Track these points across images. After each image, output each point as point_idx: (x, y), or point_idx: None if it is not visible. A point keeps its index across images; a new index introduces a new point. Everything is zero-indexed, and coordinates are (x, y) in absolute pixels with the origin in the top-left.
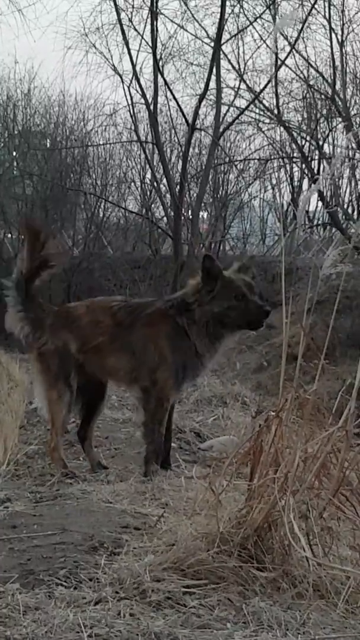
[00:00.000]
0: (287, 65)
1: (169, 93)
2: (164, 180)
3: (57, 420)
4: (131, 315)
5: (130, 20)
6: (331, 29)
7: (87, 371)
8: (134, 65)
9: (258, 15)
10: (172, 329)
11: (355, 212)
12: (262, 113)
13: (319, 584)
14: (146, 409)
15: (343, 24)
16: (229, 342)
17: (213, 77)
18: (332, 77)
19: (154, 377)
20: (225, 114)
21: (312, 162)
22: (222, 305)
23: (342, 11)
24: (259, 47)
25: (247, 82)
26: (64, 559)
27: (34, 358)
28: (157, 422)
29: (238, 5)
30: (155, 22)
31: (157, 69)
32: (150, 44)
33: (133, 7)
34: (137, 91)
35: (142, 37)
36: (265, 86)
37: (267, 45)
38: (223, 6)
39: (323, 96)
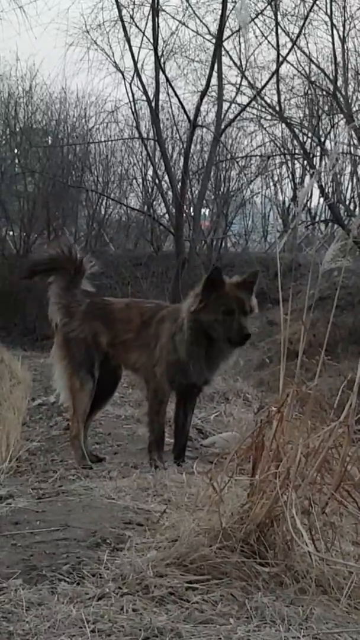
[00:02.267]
0: (288, 62)
1: (170, 90)
2: (166, 177)
3: (79, 408)
4: (152, 316)
5: (131, 17)
6: (333, 25)
7: (110, 365)
8: (135, 62)
9: (260, 11)
10: (172, 333)
11: (357, 208)
12: (263, 110)
13: (322, 579)
14: (147, 400)
15: (344, 20)
16: (221, 354)
17: (214, 74)
18: (333, 74)
19: (153, 370)
20: (226, 111)
21: (314, 158)
22: (209, 316)
23: (344, 7)
24: (260, 44)
25: (249, 78)
26: (67, 554)
27: (59, 344)
28: (155, 413)
29: (239, 1)
30: (156, 19)
31: (159, 66)
32: (151, 40)
33: (134, 3)
34: (139, 88)
35: (144, 34)
36: (267, 83)
37: (269, 42)
38: (224, 2)
39: (325, 92)
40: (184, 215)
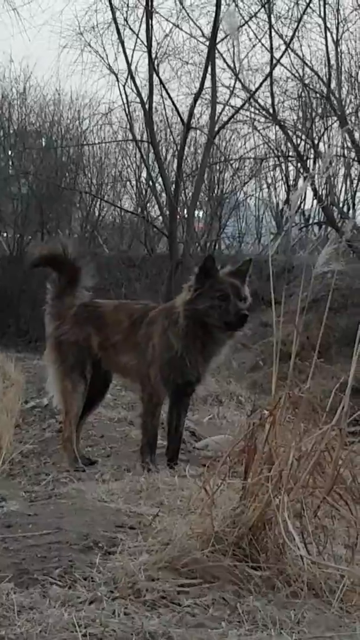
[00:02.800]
0: (282, 64)
1: (164, 92)
2: (160, 179)
3: (71, 411)
4: (142, 317)
5: (125, 19)
6: (326, 27)
7: (100, 367)
8: (129, 64)
9: (253, 14)
10: (165, 329)
11: (350, 211)
12: (257, 112)
13: (314, 582)
14: (142, 402)
15: (338, 23)
16: (216, 345)
17: (208, 76)
18: (327, 76)
19: (147, 372)
20: (220, 113)
21: (308, 161)
22: (205, 303)
23: (337, 10)
24: (254, 46)
25: (243, 81)
26: (59, 558)
27: (51, 347)
28: (149, 415)
29: (233, 4)
30: (150, 21)
31: (153, 68)
32: (145, 43)
33: (128, 6)
34: (133, 90)
35: (138, 36)
36: (261, 85)
37: (263, 44)
38: (218, 5)
39: (318, 95)
40: (178, 217)
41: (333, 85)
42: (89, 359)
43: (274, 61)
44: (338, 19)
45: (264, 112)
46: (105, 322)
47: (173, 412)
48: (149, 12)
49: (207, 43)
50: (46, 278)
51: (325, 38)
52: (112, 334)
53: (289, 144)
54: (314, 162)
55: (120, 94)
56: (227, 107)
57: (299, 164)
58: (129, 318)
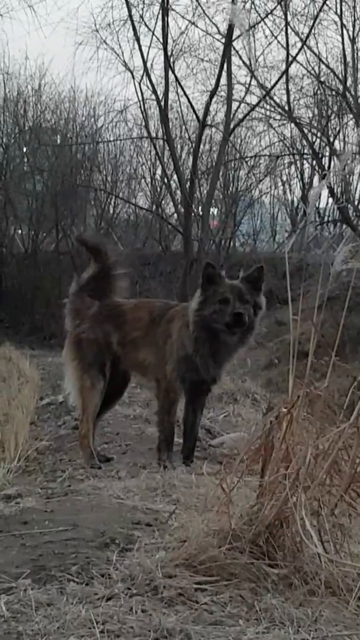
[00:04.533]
0: (298, 62)
1: (179, 89)
2: (175, 177)
3: (89, 408)
4: (162, 315)
5: (141, 16)
6: (342, 25)
7: (119, 365)
8: (144, 62)
9: (269, 11)
10: (180, 329)
11: None
12: (273, 109)
13: (331, 580)
14: (157, 399)
15: (354, 20)
16: (226, 348)
17: (224, 74)
18: (343, 74)
19: (164, 369)
20: (236, 111)
21: (323, 158)
22: (209, 309)
23: (354, 7)
24: (270, 44)
25: (258, 78)
26: (76, 555)
27: (70, 345)
28: (165, 412)
29: (249, 1)
30: (166, 18)
31: (168, 65)
32: (161, 40)
33: (144, 3)
34: (148, 87)
35: (153, 33)
36: (277, 82)
37: (279, 41)
38: (234, 2)
39: (334, 92)
40: (193, 214)
41: (349, 82)
42: (109, 356)
43: (290, 58)
44: (354, 16)
45: (279, 110)
46: (125, 319)
47: (189, 410)
48: (165, 9)
49: (223, 40)
50: (60, 276)
51: (342, 35)
52: (132, 331)
53: (304, 142)
54: (330, 160)
55: (136, 91)
56: (242, 105)
57: (314, 162)
58: (148, 315)
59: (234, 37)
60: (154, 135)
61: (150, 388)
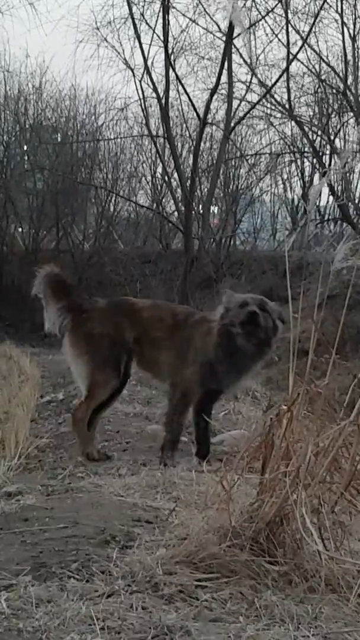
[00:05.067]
0: (299, 60)
1: (180, 87)
2: (175, 175)
3: (94, 399)
4: (186, 319)
5: (142, 14)
6: (343, 23)
7: (129, 362)
8: (145, 59)
9: (270, 9)
10: (206, 335)
11: None
12: (273, 107)
13: (331, 578)
14: (171, 400)
15: (355, 19)
16: (247, 362)
17: (224, 72)
18: (344, 72)
19: (183, 373)
20: (236, 109)
21: (324, 156)
22: (231, 317)
23: (355, 5)
24: (270, 42)
25: (259, 76)
26: (76, 552)
27: (77, 340)
28: (178, 414)
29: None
30: (167, 16)
31: (169, 63)
32: (162, 37)
33: (145, 1)
34: (149, 85)
35: (154, 31)
36: (277, 80)
37: (279, 40)
38: (234, 0)
39: (335, 91)
40: (193, 212)
41: (350, 81)
42: (124, 353)
43: (291, 56)
44: (355, 15)
45: (280, 108)
46: (141, 317)
47: (200, 415)
48: (166, 7)
49: (224, 38)
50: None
51: (342, 33)
52: (151, 330)
53: (305, 140)
54: (330, 158)
55: (137, 89)
56: (243, 103)
57: (314, 160)
58: (172, 317)
59: (234, 35)
60: (154, 133)
61: (166, 390)
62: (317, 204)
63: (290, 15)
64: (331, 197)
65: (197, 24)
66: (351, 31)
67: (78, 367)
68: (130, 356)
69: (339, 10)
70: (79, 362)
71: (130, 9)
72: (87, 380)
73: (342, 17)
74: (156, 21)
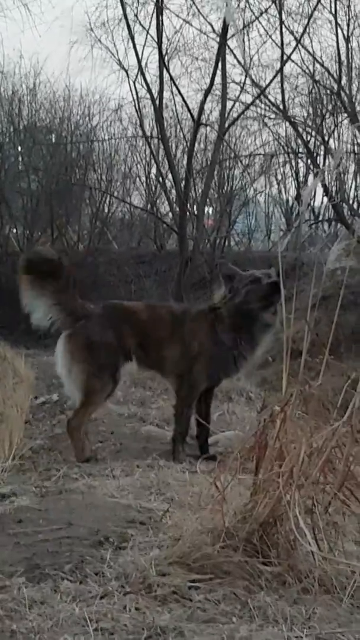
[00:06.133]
0: (292, 60)
1: (174, 88)
2: (169, 176)
3: (91, 407)
4: (184, 313)
5: (135, 15)
6: (337, 24)
7: (126, 365)
8: (139, 60)
9: (264, 10)
10: (210, 327)
11: None
12: (267, 108)
13: (325, 578)
14: (179, 394)
15: (349, 19)
16: (259, 338)
17: (218, 72)
18: (337, 73)
19: (190, 365)
20: (230, 109)
21: (318, 157)
22: (241, 293)
23: (348, 6)
24: (264, 42)
25: (253, 77)
26: (70, 553)
27: (77, 345)
28: (187, 406)
29: (244, 0)
30: (160, 17)
31: (163, 64)
32: (155, 38)
33: (138, 2)
34: (143, 86)
35: (148, 32)
36: (271, 81)
37: (273, 40)
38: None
39: (329, 91)
40: (187, 213)
41: (344, 81)
42: (122, 360)
43: (285, 57)
44: (349, 15)
45: (274, 109)
46: (140, 319)
47: (202, 402)
48: (160, 8)
49: (218, 39)
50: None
51: (336, 34)
52: (154, 331)
53: (299, 141)
54: (324, 159)
55: (130, 90)
56: (237, 104)
57: (309, 161)
58: (170, 315)
59: (228, 35)
60: (148, 134)
61: (172, 384)
62: (312, 204)
63: (284, 16)
64: (325, 198)
65: (191, 25)
66: (345, 32)
67: (73, 375)
68: (126, 360)
69: (333, 11)
70: (75, 370)
71: (124, 10)
72: (84, 388)
73: (335, 18)
74: (150, 22)
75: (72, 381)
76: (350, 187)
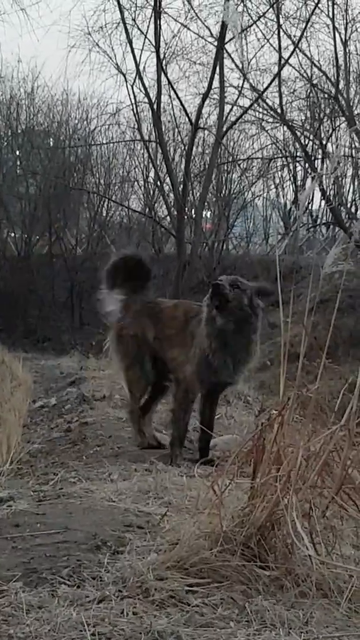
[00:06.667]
0: (290, 65)
1: (172, 92)
2: (167, 180)
3: (136, 392)
4: (194, 315)
5: (133, 19)
6: (335, 28)
7: (159, 356)
8: (137, 64)
9: (261, 14)
10: (201, 329)
11: (359, 211)
12: (265, 112)
13: (322, 582)
14: (175, 397)
15: (347, 23)
16: (242, 348)
17: (216, 76)
18: (335, 77)
19: (185, 369)
20: (228, 113)
21: (316, 161)
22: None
23: (346, 10)
24: (262, 47)
25: (251, 81)
26: (67, 557)
27: (114, 336)
28: (183, 410)
29: (241, 4)
30: (158, 21)
31: (161, 68)
32: (153, 43)
33: (136, 6)
34: (141, 90)
35: (146, 36)
36: (269, 85)
37: (271, 44)
38: (226, 2)
39: (326, 95)
40: (185, 217)
41: (341, 85)
42: (148, 351)
43: (282, 61)
44: (347, 19)
45: (272, 113)
46: (162, 317)
47: (205, 405)
48: (158, 12)
49: (216, 43)
50: (53, 279)
51: (334, 38)
52: (166, 328)
53: (297, 144)
54: (322, 163)
55: (128, 94)
56: (235, 108)
57: (306, 164)
58: (184, 315)
59: (226, 39)
60: (146, 138)
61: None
62: (310, 208)
63: (281, 20)
64: (323, 201)
65: (189, 29)
66: (342, 36)
67: (115, 362)
68: (154, 353)
69: (331, 15)
70: (115, 358)
71: (122, 14)
72: (123, 377)
73: (333, 22)
74: (148, 26)
75: (117, 371)
76: (348, 190)
